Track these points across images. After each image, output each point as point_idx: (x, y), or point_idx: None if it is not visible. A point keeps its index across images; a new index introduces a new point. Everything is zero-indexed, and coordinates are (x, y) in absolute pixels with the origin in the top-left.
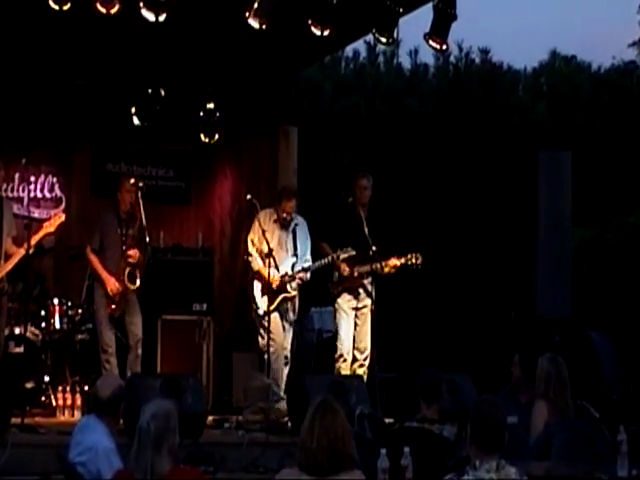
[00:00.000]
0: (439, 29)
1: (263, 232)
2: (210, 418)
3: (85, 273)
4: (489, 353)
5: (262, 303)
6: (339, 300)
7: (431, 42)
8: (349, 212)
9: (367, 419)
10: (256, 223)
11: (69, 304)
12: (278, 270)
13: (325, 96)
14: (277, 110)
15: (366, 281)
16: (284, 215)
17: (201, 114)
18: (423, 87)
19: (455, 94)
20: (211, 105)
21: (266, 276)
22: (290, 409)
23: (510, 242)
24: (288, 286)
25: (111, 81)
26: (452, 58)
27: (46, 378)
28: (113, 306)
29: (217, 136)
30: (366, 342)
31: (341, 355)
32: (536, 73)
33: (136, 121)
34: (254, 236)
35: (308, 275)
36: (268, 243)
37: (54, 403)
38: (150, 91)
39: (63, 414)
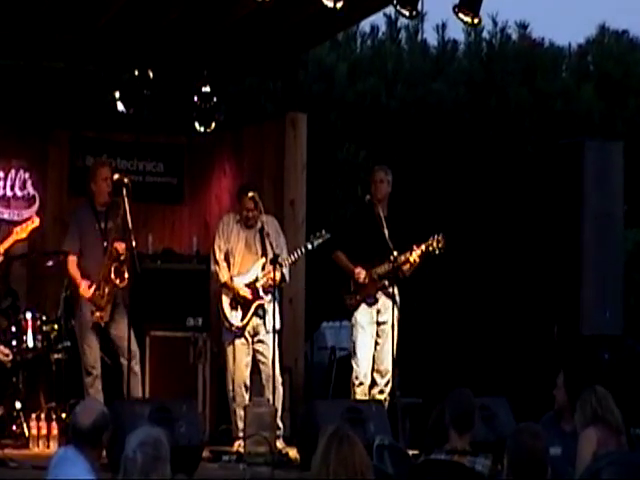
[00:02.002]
0: (470, 0)
1: (228, 236)
2: (207, 450)
3: (62, 283)
4: (528, 374)
5: (234, 318)
6: (356, 314)
7: (461, 15)
8: (367, 213)
9: (388, 451)
10: (220, 227)
11: (44, 319)
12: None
13: (338, 79)
14: (283, 95)
15: (389, 289)
16: (246, 214)
17: (195, 99)
18: (452, 68)
19: (489, 76)
20: (207, 89)
21: (236, 287)
22: (299, 440)
23: (552, 247)
24: (261, 291)
25: (91, 62)
26: (485, 34)
27: (17, 404)
28: (98, 313)
29: (214, 125)
30: (387, 363)
31: (357, 378)
32: (582, 51)
33: (120, 107)
34: (220, 242)
35: (285, 272)
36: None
37: (27, 433)
38: (137, 73)
39: (37, 445)
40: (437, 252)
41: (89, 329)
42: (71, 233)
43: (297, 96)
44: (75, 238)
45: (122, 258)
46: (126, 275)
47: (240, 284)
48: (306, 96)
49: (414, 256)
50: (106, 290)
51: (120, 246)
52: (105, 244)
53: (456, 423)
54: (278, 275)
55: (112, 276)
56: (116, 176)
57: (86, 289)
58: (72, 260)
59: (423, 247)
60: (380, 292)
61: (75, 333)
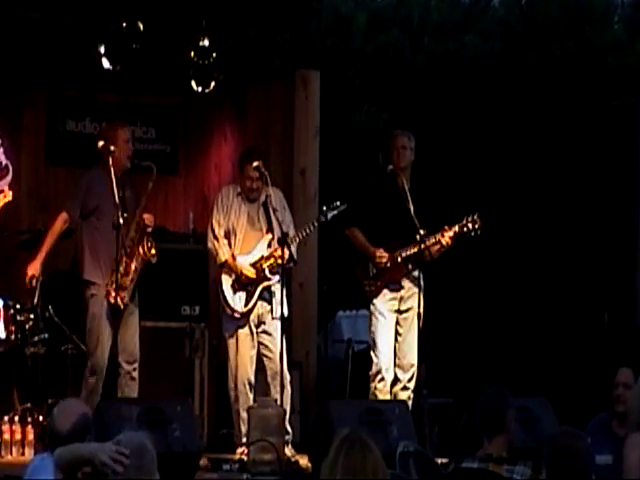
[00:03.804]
0: None
1: (228, 211)
2: (204, 458)
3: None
4: (574, 370)
5: (237, 303)
6: (376, 301)
7: None
8: (389, 184)
9: (413, 458)
10: (218, 200)
11: (17, 307)
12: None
13: (357, 31)
14: (293, 49)
15: (415, 273)
16: (250, 184)
17: (192, 55)
18: (486, 19)
19: (528, 28)
20: (205, 42)
21: (239, 266)
22: (310, 446)
23: (602, 225)
24: (267, 271)
25: (72, 11)
26: None
27: None
28: (119, 294)
29: (213, 84)
30: (412, 357)
31: (378, 373)
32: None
33: (106, 64)
34: (219, 216)
35: (293, 251)
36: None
37: None
38: (124, 25)
39: (10, 453)
40: (472, 234)
41: (103, 319)
42: (74, 195)
43: (309, 50)
44: (76, 201)
45: (149, 230)
46: (154, 251)
47: (244, 262)
48: (319, 50)
49: (446, 238)
50: (132, 266)
51: (148, 217)
52: (125, 215)
53: (484, 426)
54: (288, 253)
55: (141, 250)
56: (100, 143)
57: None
58: (63, 217)
59: (456, 228)
60: (406, 280)
61: (83, 323)
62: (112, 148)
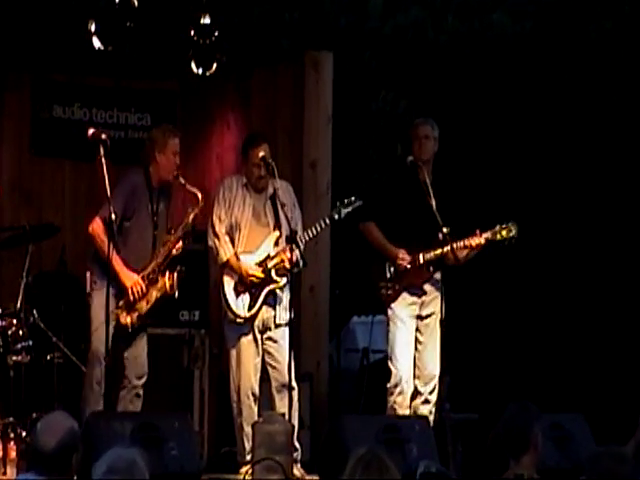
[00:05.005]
0: None
1: (231, 204)
2: (205, 478)
3: (22, 266)
4: (611, 384)
5: (240, 307)
6: (394, 305)
7: None
8: (408, 177)
9: None
10: (220, 192)
11: None
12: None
13: (373, 9)
14: (303, 29)
15: (437, 275)
16: (256, 172)
17: (192, 33)
18: None
19: (562, 6)
20: (206, 20)
21: (243, 266)
22: (322, 466)
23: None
24: (273, 273)
25: None
26: None
27: None
28: (130, 315)
29: (215, 66)
30: (433, 367)
31: (397, 385)
32: None
33: (97, 44)
34: (220, 211)
35: (297, 254)
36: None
37: None
38: (117, 0)
39: None
40: (506, 243)
41: (106, 334)
42: (116, 196)
43: (320, 30)
44: (120, 201)
45: (176, 255)
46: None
47: (249, 262)
48: (332, 30)
49: (477, 243)
50: (153, 294)
51: (179, 247)
52: (155, 232)
53: (508, 445)
54: (296, 255)
55: (167, 283)
56: (91, 131)
57: (139, 282)
58: (99, 225)
59: (489, 235)
60: (427, 285)
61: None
62: (157, 156)
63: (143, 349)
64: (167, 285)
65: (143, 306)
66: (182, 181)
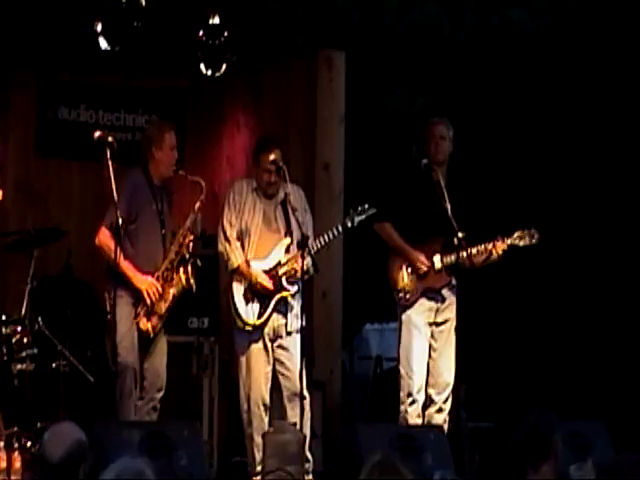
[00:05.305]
0: None
1: (242, 209)
2: None
3: (27, 271)
4: (632, 390)
5: (249, 314)
6: (410, 312)
7: None
8: (423, 179)
9: None
10: (230, 196)
11: (3, 318)
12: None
13: (388, 6)
14: (315, 27)
15: (453, 280)
16: (267, 177)
17: (201, 33)
18: None
19: (583, 2)
20: (216, 20)
21: (253, 273)
22: (335, 476)
23: None
24: (284, 280)
25: None
26: None
27: None
28: (150, 320)
29: (225, 67)
30: (448, 375)
31: (410, 395)
32: None
33: (103, 44)
34: (231, 215)
35: (308, 261)
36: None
37: None
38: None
39: None
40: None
41: (132, 343)
42: (120, 197)
43: (333, 28)
44: (124, 203)
45: (187, 253)
46: (193, 280)
47: (258, 269)
48: (345, 28)
49: (498, 250)
50: (171, 292)
51: (192, 240)
52: (163, 230)
53: (528, 453)
54: (307, 263)
55: (183, 277)
56: (97, 134)
57: (153, 284)
58: (106, 234)
59: (509, 241)
60: (445, 290)
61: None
62: (155, 153)
63: (162, 359)
64: (183, 280)
65: (162, 306)
66: (183, 173)
